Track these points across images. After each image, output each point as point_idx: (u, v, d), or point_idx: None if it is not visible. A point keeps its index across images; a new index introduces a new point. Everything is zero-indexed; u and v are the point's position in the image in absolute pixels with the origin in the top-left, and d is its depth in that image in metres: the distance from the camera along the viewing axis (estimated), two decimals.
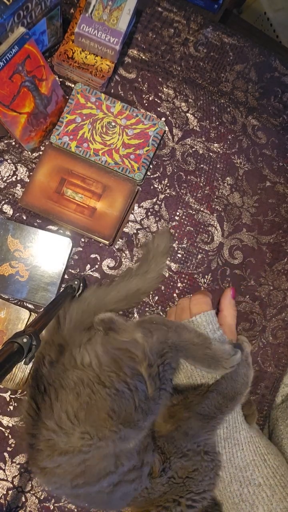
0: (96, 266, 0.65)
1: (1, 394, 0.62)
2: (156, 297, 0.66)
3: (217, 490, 0.52)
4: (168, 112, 0.70)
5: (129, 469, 0.45)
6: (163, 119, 0.69)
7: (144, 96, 0.70)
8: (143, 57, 0.71)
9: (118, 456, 0.44)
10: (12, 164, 0.66)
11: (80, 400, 0.44)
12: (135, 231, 0.67)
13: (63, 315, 0.54)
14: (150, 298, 0.66)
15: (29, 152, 0.66)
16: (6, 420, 0.61)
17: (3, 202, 0.65)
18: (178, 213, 0.68)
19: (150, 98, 0.70)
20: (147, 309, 0.66)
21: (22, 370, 0.61)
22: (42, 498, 0.61)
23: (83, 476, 0.43)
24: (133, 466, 0.45)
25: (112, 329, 0.51)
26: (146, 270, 0.62)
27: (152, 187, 0.68)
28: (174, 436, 0.48)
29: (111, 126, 0.66)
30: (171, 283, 0.66)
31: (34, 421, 0.46)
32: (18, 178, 0.65)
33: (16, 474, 0.61)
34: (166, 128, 0.69)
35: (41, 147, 0.66)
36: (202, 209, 0.69)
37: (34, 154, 0.66)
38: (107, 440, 0.42)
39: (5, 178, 0.65)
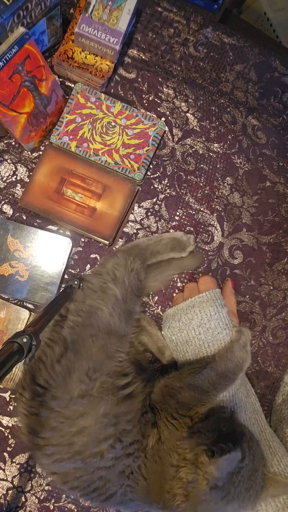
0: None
1: (1, 394, 0.62)
2: (156, 297, 0.66)
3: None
4: (168, 112, 0.70)
5: (130, 442, 0.48)
6: (163, 119, 0.69)
7: (144, 96, 0.70)
8: (143, 57, 0.71)
9: (117, 416, 0.48)
10: (12, 164, 0.66)
11: (67, 342, 0.51)
12: (135, 231, 0.67)
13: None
14: (150, 298, 0.66)
15: (29, 152, 0.66)
16: (6, 420, 0.61)
17: (3, 202, 0.65)
18: (178, 213, 0.68)
19: (150, 98, 0.70)
20: (146, 309, 0.66)
21: (22, 370, 0.61)
22: (42, 498, 0.61)
23: (82, 434, 0.46)
24: (134, 440, 0.48)
25: None
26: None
27: (152, 187, 0.68)
28: (168, 402, 0.52)
29: (111, 126, 0.66)
30: (171, 283, 0.66)
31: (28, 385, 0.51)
32: (18, 178, 0.65)
33: (16, 474, 0.61)
34: (166, 128, 0.69)
35: (41, 147, 0.66)
36: (202, 209, 0.69)
37: (34, 154, 0.66)
38: (103, 371, 0.49)
39: (5, 178, 0.65)
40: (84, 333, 0.51)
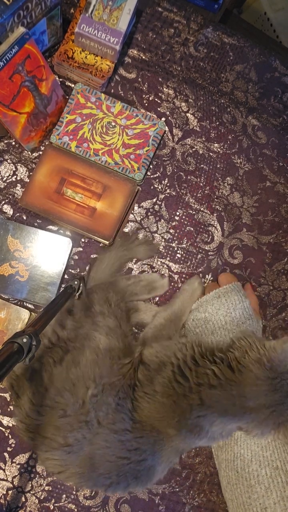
0: None
1: (1, 394, 0.62)
2: (157, 298, 0.66)
3: (233, 472, 0.53)
4: (168, 112, 0.70)
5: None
6: (163, 119, 0.69)
7: (144, 96, 0.70)
8: (143, 57, 0.71)
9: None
10: (12, 164, 0.66)
11: (64, 359, 0.51)
12: (135, 231, 0.67)
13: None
14: (151, 299, 0.66)
15: (29, 152, 0.66)
16: (6, 420, 0.61)
17: (3, 202, 0.65)
18: (178, 213, 0.68)
19: (150, 98, 0.70)
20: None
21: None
22: (42, 498, 0.60)
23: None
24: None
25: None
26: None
27: (152, 187, 0.68)
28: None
29: (111, 126, 0.66)
30: (172, 283, 0.66)
31: None
32: (18, 178, 0.65)
33: (16, 474, 0.61)
34: (166, 128, 0.69)
35: (41, 147, 0.66)
36: (202, 209, 0.69)
37: (34, 154, 0.66)
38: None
39: (5, 178, 0.65)
40: (83, 351, 0.51)
